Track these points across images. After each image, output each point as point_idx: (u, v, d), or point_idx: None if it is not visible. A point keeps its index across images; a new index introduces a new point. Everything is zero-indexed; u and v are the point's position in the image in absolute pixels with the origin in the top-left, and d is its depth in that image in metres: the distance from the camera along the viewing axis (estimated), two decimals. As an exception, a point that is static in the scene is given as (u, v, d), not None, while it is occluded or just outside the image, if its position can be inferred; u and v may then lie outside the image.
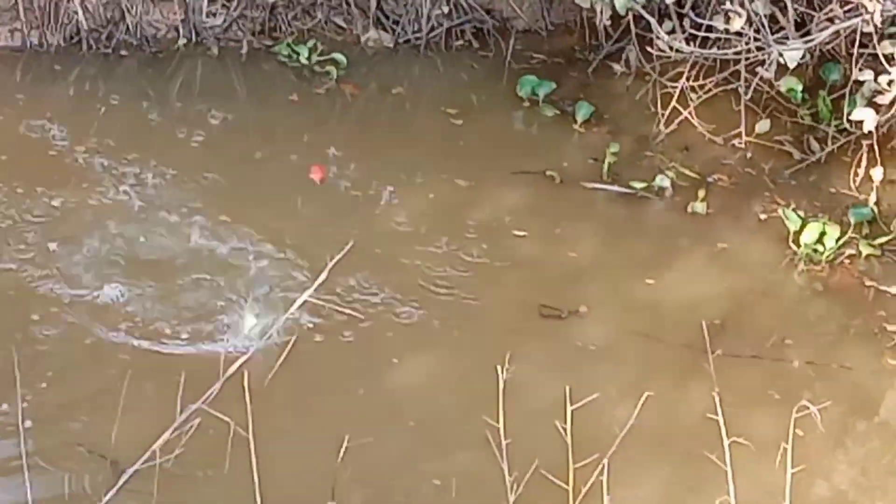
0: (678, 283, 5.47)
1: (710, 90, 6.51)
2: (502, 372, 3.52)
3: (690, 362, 4.88)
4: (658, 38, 6.24)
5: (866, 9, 5.57)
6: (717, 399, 3.45)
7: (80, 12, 6.78)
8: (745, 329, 5.20)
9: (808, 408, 3.61)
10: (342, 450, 4.10)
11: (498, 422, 3.52)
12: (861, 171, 6.17)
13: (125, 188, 5.67)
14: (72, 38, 6.84)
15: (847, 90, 6.27)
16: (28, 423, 4.14)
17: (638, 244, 5.76)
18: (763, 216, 6.01)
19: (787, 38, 6.04)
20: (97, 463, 4.07)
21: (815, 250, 5.70)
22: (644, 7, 6.25)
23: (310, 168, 5.15)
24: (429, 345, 4.91)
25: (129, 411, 4.12)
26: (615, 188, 6.11)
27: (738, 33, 6.02)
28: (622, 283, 5.42)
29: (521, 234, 5.69)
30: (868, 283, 5.62)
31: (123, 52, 6.86)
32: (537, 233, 5.70)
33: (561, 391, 3.44)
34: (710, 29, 6.21)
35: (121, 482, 3.22)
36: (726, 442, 3.36)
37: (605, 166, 6.16)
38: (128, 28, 6.91)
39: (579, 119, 6.63)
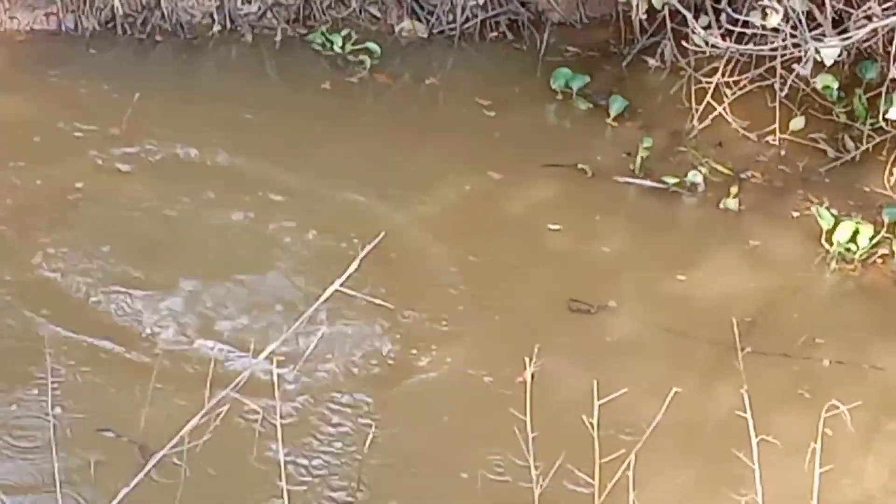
0: (709, 280, 5.44)
1: (744, 86, 6.48)
2: (530, 365, 3.52)
3: (720, 359, 4.87)
4: (694, 33, 6.22)
5: (905, 7, 5.53)
6: (745, 397, 3.43)
7: (116, -3, 6.80)
8: (775, 327, 5.18)
9: (837, 407, 3.59)
10: (368, 440, 4.11)
11: (525, 415, 3.51)
12: (896, 171, 6.15)
13: (158, 173, 5.68)
14: (107, 22, 6.86)
15: (883, 89, 6.24)
16: (57, 410, 4.16)
17: (669, 240, 5.74)
18: (796, 214, 5.98)
19: (824, 35, 6.00)
20: (125, 447, 4.09)
21: (848, 249, 5.67)
22: (680, 2, 6.22)
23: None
24: (458, 336, 4.90)
25: (158, 399, 4.13)
26: (647, 182, 6.09)
27: (775, 29, 5.99)
28: (653, 279, 5.40)
29: (554, 227, 5.68)
30: (901, 283, 5.59)
31: (158, 38, 6.87)
32: (568, 226, 5.69)
33: (589, 386, 3.43)
34: (746, 25, 6.18)
35: (149, 466, 3.23)
36: (754, 440, 3.34)
37: (638, 161, 6.14)
38: (163, 14, 6.92)
39: (612, 113, 6.61)
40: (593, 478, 3.57)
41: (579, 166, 6.14)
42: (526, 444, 3.52)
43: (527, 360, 3.56)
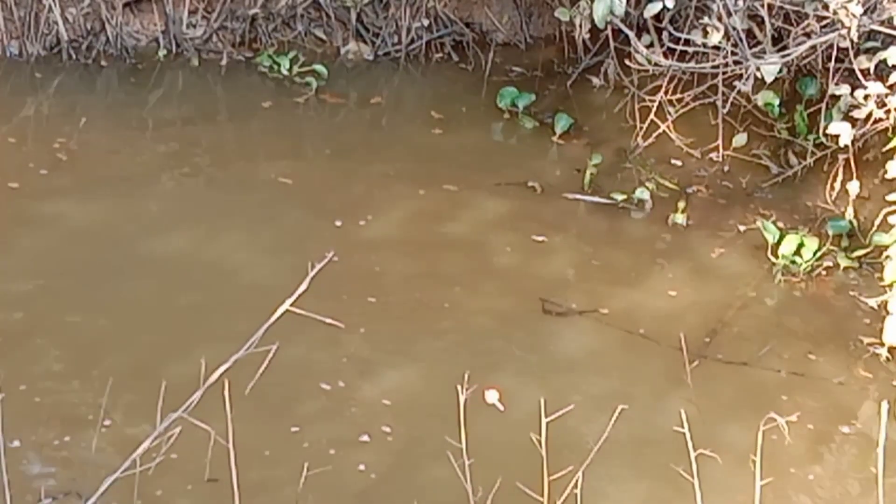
0: (658, 294, 5.48)
1: (687, 104, 6.55)
2: (462, 390, 3.52)
3: (669, 372, 4.91)
4: (636, 51, 6.28)
5: (843, 24, 5.61)
6: (685, 412, 3.47)
7: (61, 22, 6.79)
8: (724, 339, 5.22)
9: (779, 419, 3.62)
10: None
11: (461, 441, 3.52)
12: (837, 185, 6.21)
13: (103, 198, 5.67)
14: (52, 48, 6.85)
15: (823, 104, 6.33)
16: (16, 444, 4.13)
17: (620, 255, 5.77)
18: (742, 228, 6.04)
19: (765, 52, 6.08)
20: (78, 471, 4.07)
21: (794, 262, 5.73)
22: (623, 21, 6.29)
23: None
24: (407, 355, 4.91)
25: (110, 419, 4.12)
26: (596, 199, 6.14)
27: (716, 47, 6.07)
28: (603, 294, 5.42)
29: (506, 244, 5.70)
30: (845, 294, 5.64)
31: (104, 63, 6.87)
32: (520, 243, 5.72)
33: (539, 402, 3.45)
34: (688, 43, 6.25)
35: (101, 490, 3.23)
36: (692, 454, 3.37)
37: (587, 177, 6.19)
38: (108, 39, 6.92)
39: (558, 131, 6.67)
40: (542, 495, 3.59)
41: (529, 184, 6.19)
42: (461, 469, 3.53)
43: (458, 386, 3.56)
